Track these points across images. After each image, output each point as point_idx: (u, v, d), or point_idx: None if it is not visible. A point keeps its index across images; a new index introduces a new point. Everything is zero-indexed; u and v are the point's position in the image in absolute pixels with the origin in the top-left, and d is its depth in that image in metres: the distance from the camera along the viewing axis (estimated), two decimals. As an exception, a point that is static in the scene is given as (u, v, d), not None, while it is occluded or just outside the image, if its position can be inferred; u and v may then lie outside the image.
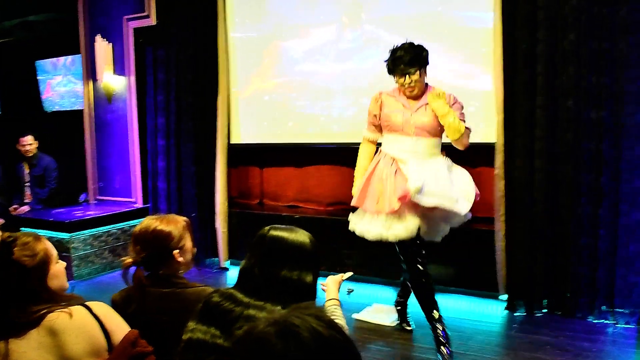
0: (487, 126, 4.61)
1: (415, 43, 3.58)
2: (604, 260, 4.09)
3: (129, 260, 2.19)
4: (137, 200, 6.36)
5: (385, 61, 3.62)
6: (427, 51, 3.60)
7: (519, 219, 4.38)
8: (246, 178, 6.21)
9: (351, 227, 3.79)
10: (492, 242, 4.51)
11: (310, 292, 1.87)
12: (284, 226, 1.94)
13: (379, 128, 3.79)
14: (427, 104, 3.57)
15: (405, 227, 3.52)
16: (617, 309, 4.07)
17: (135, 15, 6.12)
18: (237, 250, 5.86)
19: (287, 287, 1.81)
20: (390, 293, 4.95)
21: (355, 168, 3.87)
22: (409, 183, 3.44)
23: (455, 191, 3.56)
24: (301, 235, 1.92)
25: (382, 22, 5.14)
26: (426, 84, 3.67)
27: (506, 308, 4.49)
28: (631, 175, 3.95)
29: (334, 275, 2.47)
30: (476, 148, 4.64)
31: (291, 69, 5.64)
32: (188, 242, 2.29)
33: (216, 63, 5.76)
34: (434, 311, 3.55)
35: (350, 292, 4.80)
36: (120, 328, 1.80)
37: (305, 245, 1.90)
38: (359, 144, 5.25)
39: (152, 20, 6.01)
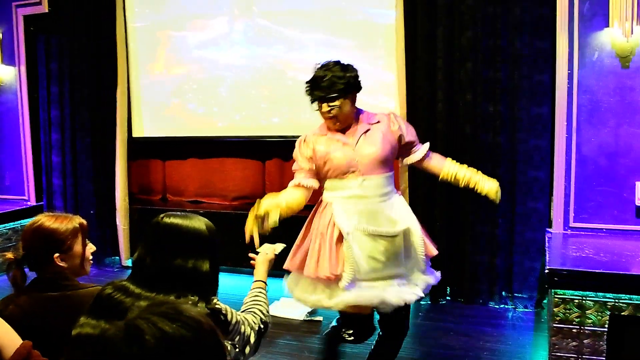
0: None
1: (344, 62, 2.85)
2: (502, 248, 4.29)
3: (9, 256, 1.99)
4: (30, 197, 5.99)
5: (306, 83, 2.85)
6: (355, 72, 2.86)
7: (421, 209, 4.47)
8: (148, 173, 5.99)
9: (288, 292, 3.06)
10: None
11: (208, 280, 1.78)
12: (179, 213, 1.83)
13: (315, 174, 2.91)
14: (368, 130, 2.85)
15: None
16: (516, 294, 4.29)
17: (25, 1, 5.74)
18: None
19: (182, 276, 1.71)
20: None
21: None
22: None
23: (404, 267, 2.84)
24: (196, 222, 1.80)
25: (279, 16, 5.10)
26: (359, 110, 2.93)
27: (411, 297, 4.59)
28: (525, 166, 4.16)
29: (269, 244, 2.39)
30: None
31: (191, 61, 5.48)
32: (77, 246, 2.08)
33: (114, 53, 5.52)
34: None
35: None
36: (11, 341, 1.63)
37: (200, 232, 1.79)
38: (263, 137, 5.29)
39: (44, 7, 5.64)
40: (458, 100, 4.35)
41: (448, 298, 4.54)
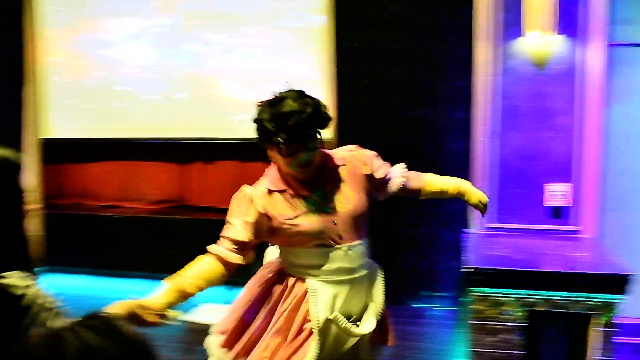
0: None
1: (304, 91, 2.13)
2: (424, 248, 4.39)
3: None
4: None
5: (258, 122, 2.04)
6: (324, 104, 2.13)
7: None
8: (62, 176, 5.72)
9: None
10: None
11: None
12: None
13: (249, 247, 2.11)
14: (341, 181, 2.16)
15: None
16: (437, 293, 4.38)
17: None
18: (53, 255, 5.36)
19: None
20: (219, 292, 4.84)
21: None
22: None
23: None
24: None
25: (200, 15, 5.03)
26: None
27: (335, 300, 4.60)
28: (447, 169, 4.19)
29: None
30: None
31: (108, 60, 5.32)
32: None
33: (21, 50, 5.26)
34: None
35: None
36: None
37: None
38: (183, 139, 5.16)
39: (-56, 1, 5.32)
40: (383, 104, 4.42)
41: (371, 299, 4.58)
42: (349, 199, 2.14)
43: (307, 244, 2.11)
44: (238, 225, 2.07)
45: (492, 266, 3.31)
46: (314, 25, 4.67)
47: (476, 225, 4.02)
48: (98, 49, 5.31)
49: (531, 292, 3.20)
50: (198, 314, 4.29)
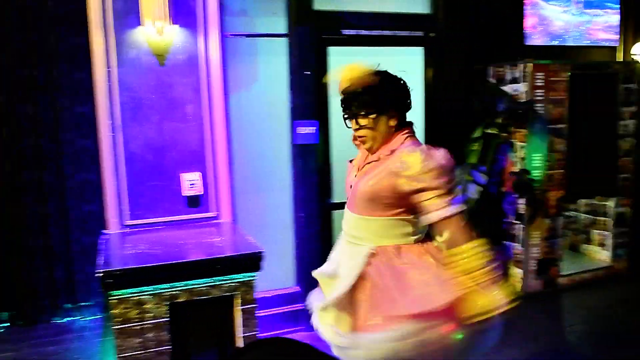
0: None
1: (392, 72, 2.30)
2: (59, 258, 4.14)
3: None
4: None
5: (344, 95, 2.33)
6: (401, 88, 2.28)
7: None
8: None
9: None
10: None
11: None
12: None
13: None
14: (380, 164, 2.24)
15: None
16: (81, 303, 4.18)
17: None
18: None
19: None
20: None
21: None
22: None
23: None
24: None
25: None
26: (398, 134, 2.28)
27: (-36, 332, 4.05)
28: (74, 169, 4.04)
29: None
30: None
31: None
32: None
33: None
34: None
35: None
36: None
37: None
38: None
39: None
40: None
41: (7, 324, 4.14)
42: (371, 180, 2.23)
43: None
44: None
45: (125, 266, 3.18)
46: None
47: (114, 225, 3.85)
48: None
49: (170, 285, 3.17)
50: None
